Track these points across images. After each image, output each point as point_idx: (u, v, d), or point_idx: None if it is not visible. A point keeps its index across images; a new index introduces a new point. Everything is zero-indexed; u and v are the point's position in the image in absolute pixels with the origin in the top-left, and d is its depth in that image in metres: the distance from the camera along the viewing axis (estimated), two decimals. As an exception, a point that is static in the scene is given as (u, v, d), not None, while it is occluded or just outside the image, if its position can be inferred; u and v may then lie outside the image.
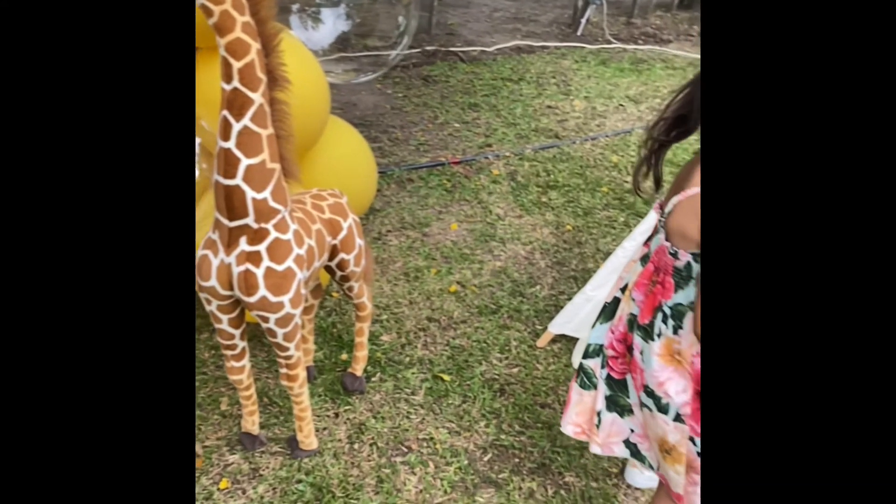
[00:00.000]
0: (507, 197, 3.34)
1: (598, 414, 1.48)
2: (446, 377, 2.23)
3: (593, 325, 1.49)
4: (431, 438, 2.01)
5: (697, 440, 1.29)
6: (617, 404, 1.46)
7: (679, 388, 1.29)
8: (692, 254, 1.22)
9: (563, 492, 1.88)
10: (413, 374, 2.24)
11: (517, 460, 1.97)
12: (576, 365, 1.99)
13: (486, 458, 1.97)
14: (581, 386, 1.50)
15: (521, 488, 1.89)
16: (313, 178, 2.33)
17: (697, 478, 1.31)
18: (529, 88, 4.63)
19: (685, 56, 5.43)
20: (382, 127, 3.99)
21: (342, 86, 4.43)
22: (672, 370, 1.30)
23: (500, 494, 1.86)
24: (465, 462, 1.95)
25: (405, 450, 1.98)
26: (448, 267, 2.78)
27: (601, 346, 1.45)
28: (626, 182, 3.52)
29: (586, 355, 1.48)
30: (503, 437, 2.04)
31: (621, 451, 1.49)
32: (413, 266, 2.78)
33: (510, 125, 4.09)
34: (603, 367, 1.46)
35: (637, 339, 1.35)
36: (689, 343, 1.25)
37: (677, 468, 1.34)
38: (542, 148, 3.81)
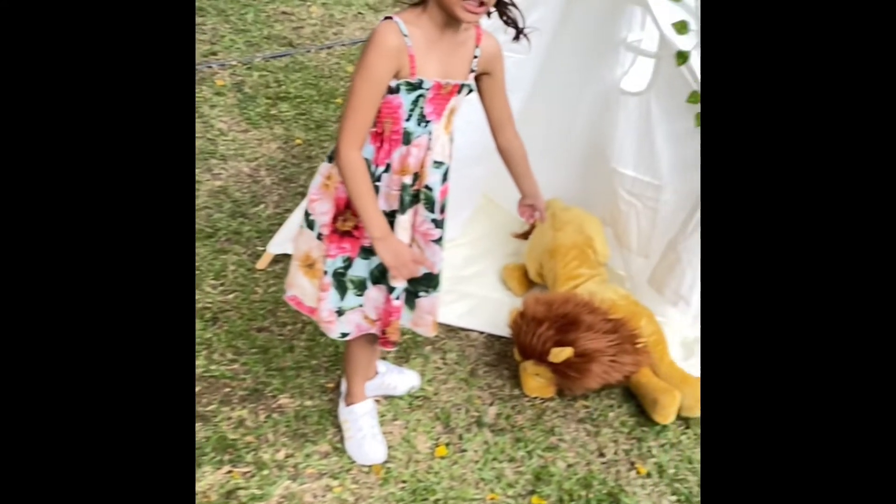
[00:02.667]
0: (233, 110, 3.07)
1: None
2: (150, 311, 2.02)
3: None
4: (128, 380, 1.82)
5: (329, 260, 1.46)
6: None
7: (324, 210, 1.45)
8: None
9: (276, 415, 1.83)
10: (108, 311, 1.99)
11: (228, 390, 1.87)
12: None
13: (192, 393, 1.84)
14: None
15: (230, 418, 1.79)
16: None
17: (324, 294, 1.48)
18: (263, -9, 4.26)
19: (428, -36, 5.38)
20: (82, 30, 3.42)
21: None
22: (322, 192, 1.45)
23: (206, 428, 1.75)
24: (168, 400, 1.80)
25: (94, 397, 1.77)
26: (158, 189, 2.50)
27: None
28: (362, 93, 3.43)
29: None
30: (213, 367, 1.91)
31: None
32: (113, 190, 2.45)
33: (240, 32, 3.74)
34: None
35: None
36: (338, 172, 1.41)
37: (314, 282, 1.51)
38: (274, 56, 3.55)
